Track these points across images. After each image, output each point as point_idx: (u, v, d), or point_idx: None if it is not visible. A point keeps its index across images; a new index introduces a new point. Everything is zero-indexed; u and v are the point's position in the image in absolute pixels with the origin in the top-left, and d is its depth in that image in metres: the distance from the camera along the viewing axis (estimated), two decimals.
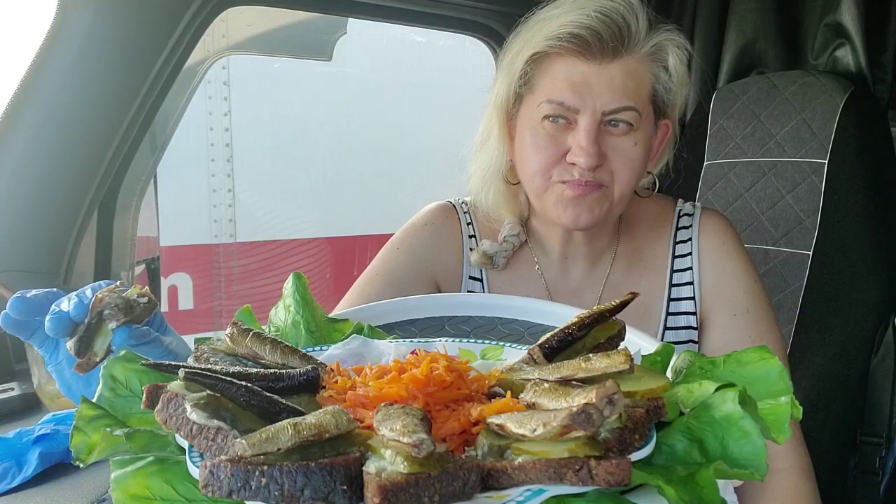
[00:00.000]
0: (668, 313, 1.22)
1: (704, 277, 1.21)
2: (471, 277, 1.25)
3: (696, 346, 1.22)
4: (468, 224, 1.28)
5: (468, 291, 1.25)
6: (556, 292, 1.24)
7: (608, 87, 1.06)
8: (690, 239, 1.23)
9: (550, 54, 1.08)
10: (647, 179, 1.26)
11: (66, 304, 0.83)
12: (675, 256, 1.23)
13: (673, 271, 1.23)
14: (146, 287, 0.85)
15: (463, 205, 1.30)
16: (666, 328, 1.22)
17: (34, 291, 0.85)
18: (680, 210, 1.26)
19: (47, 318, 0.82)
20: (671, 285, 1.22)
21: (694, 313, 1.21)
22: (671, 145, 1.21)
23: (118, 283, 0.85)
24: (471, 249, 1.25)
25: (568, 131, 1.08)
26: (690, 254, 1.22)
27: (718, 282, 1.21)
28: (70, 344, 0.82)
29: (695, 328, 1.21)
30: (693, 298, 1.21)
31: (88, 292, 0.83)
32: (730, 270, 1.20)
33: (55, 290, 0.86)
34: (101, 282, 0.85)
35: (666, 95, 1.13)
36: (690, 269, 1.22)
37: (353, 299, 1.19)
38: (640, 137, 1.09)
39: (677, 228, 1.25)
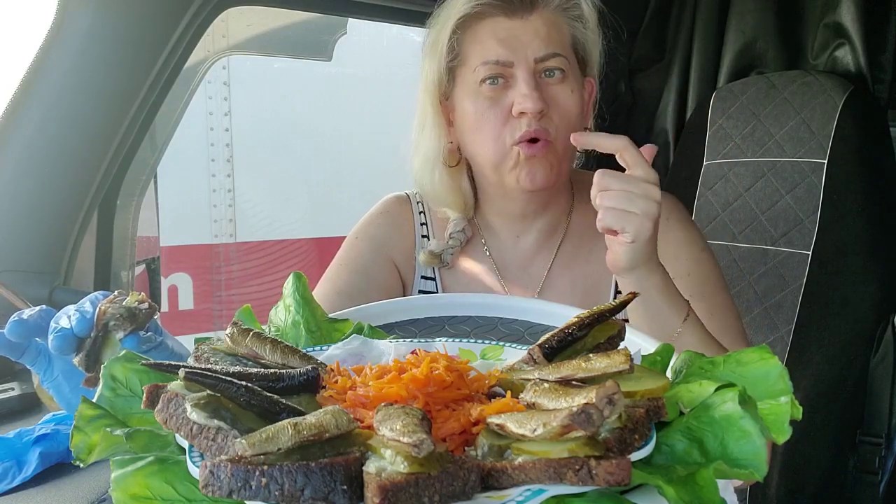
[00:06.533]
0: (616, 290, 1.24)
1: None
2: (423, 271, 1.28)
3: None
4: (420, 213, 1.32)
5: (421, 277, 1.28)
6: (506, 269, 1.27)
7: (535, 36, 1.12)
8: None
9: (474, 21, 1.14)
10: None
11: (66, 320, 0.81)
12: None
13: None
14: (143, 293, 0.84)
15: (417, 195, 1.33)
16: None
17: (28, 312, 0.83)
18: None
19: (50, 337, 0.80)
20: None
21: None
22: (594, 108, 1.26)
23: (116, 292, 0.83)
24: (425, 238, 1.28)
25: (507, 90, 1.12)
26: None
27: (661, 251, 1.23)
28: (78, 359, 0.80)
29: None
30: None
31: (88, 306, 0.82)
32: (672, 240, 1.22)
33: (45, 307, 0.84)
34: (98, 293, 0.84)
35: (585, 46, 1.19)
36: None
37: (325, 290, 1.23)
38: (574, 86, 1.15)
39: None
